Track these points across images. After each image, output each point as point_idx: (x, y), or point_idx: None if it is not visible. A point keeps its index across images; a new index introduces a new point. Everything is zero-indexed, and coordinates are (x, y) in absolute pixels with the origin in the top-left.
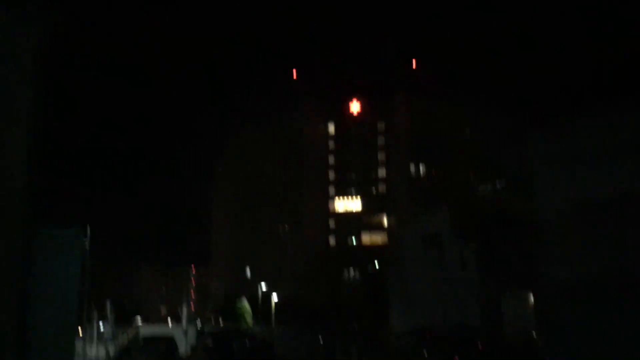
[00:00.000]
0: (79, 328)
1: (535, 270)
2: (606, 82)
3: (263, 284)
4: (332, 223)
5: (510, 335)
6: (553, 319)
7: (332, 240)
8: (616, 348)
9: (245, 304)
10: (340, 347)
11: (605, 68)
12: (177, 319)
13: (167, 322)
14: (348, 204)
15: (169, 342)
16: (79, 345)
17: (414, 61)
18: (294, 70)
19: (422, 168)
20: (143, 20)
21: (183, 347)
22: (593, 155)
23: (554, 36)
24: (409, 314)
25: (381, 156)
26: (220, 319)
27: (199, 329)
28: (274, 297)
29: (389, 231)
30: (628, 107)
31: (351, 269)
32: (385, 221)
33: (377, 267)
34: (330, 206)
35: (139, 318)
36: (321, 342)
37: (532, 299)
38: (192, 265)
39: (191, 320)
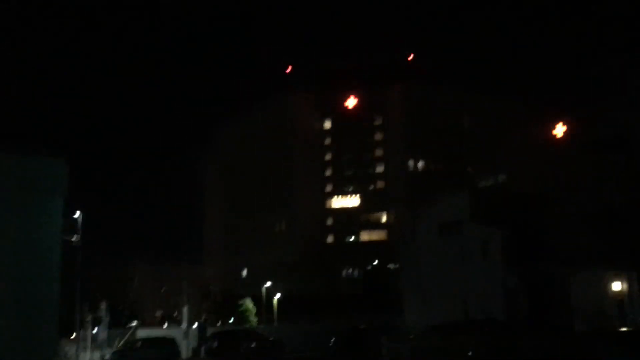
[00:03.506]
0: (73, 331)
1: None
2: None
3: (269, 283)
4: (329, 220)
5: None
6: None
7: (329, 238)
8: None
9: (249, 303)
10: (356, 346)
11: None
12: (173, 322)
13: (163, 324)
14: (345, 201)
15: (171, 344)
16: (72, 349)
17: (410, 54)
18: (289, 65)
19: (421, 162)
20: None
21: (184, 350)
22: None
23: None
24: (424, 309)
25: (379, 152)
26: (220, 320)
27: (200, 330)
28: (277, 296)
29: (389, 227)
30: None
31: (351, 266)
32: (384, 218)
33: (377, 263)
34: (327, 203)
35: (135, 321)
36: (332, 341)
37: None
38: (188, 266)
39: (190, 321)
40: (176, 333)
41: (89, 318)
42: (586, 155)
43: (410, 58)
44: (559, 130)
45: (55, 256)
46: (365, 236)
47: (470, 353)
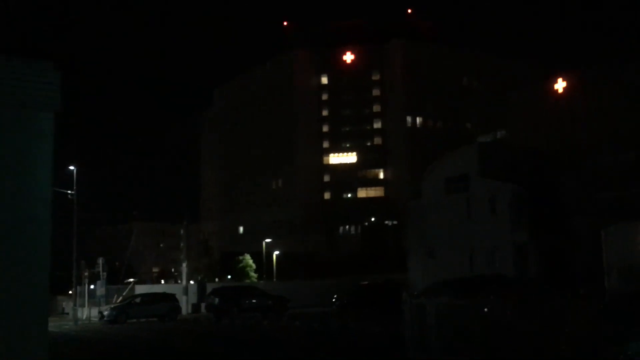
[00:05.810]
0: (70, 287)
1: None
2: None
3: (268, 239)
4: (327, 177)
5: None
6: None
7: (327, 195)
8: None
9: (249, 258)
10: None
11: None
12: (170, 278)
13: (160, 281)
14: (343, 157)
15: (171, 300)
16: (69, 305)
17: (408, 9)
18: (284, 20)
19: (419, 118)
20: None
21: (184, 306)
22: None
23: None
24: (429, 266)
25: (377, 107)
26: (217, 277)
27: (200, 286)
28: (276, 252)
29: (387, 184)
30: None
31: (348, 223)
32: (382, 174)
33: (374, 220)
34: (324, 159)
35: (132, 278)
36: (335, 298)
37: None
38: (185, 223)
39: (188, 278)
40: (175, 289)
41: (87, 274)
42: (615, 106)
43: (408, 12)
44: (559, 85)
45: (45, 192)
46: (362, 193)
47: (485, 309)
